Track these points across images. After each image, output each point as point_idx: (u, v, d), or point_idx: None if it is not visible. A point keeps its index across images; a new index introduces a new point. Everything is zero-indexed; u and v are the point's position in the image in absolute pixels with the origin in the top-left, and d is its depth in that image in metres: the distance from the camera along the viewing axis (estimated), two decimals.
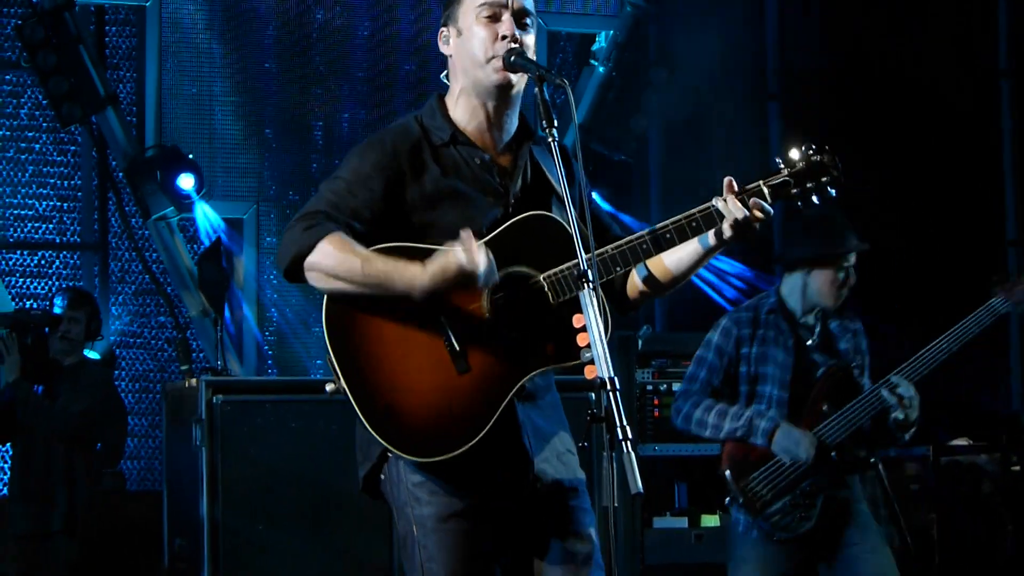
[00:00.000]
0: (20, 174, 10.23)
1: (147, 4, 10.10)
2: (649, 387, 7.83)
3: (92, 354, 8.13)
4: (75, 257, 10.38)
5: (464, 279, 3.50)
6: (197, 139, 10.15)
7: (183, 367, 8.56)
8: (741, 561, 5.77)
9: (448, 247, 3.51)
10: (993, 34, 10.55)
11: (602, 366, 3.27)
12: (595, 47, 10.78)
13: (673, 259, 3.76)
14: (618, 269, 3.67)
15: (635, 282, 3.85)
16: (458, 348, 3.58)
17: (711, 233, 3.66)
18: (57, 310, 7.74)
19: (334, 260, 3.54)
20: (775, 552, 5.68)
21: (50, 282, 10.18)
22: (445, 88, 3.87)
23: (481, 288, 3.54)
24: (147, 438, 10.20)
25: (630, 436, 3.20)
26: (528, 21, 3.73)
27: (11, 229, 10.19)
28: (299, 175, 10.46)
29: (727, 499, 5.75)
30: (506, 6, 3.71)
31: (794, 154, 3.70)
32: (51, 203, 10.29)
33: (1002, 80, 10.52)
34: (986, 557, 8.13)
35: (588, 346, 3.34)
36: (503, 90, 3.72)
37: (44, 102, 9.97)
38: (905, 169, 9.99)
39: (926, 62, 10.02)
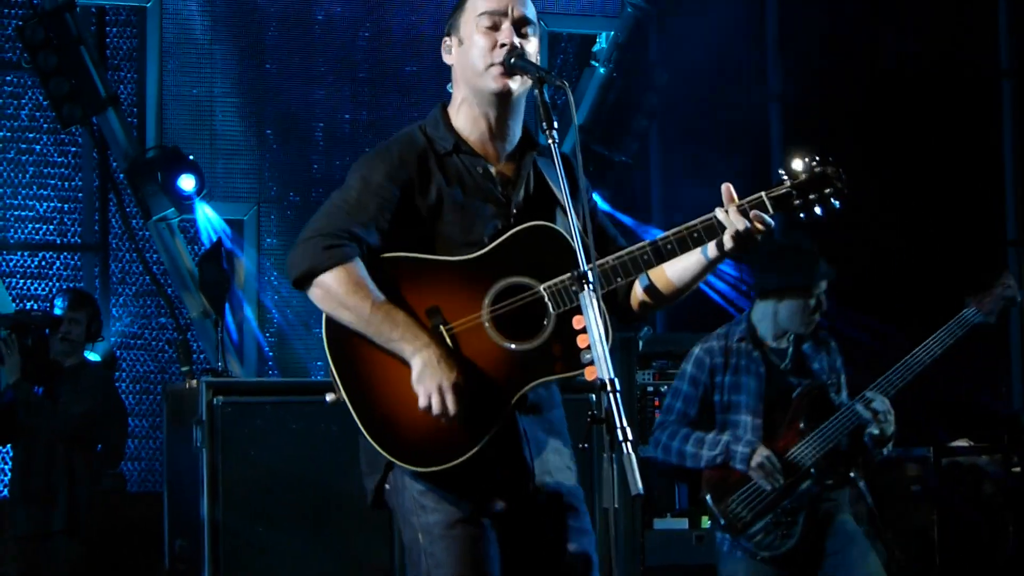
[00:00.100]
0: (21, 175, 10.23)
1: (148, 5, 10.10)
2: (650, 388, 7.82)
3: (93, 356, 8.13)
4: (76, 258, 10.37)
5: (430, 381, 3.51)
6: (198, 140, 10.14)
7: (184, 368, 8.56)
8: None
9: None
10: (994, 34, 10.55)
11: (602, 367, 3.27)
12: (596, 48, 10.78)
13: (675, 270, 3.74)
14: (619, 280, 3.66)
15: (638, 293, 3.84)
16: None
17: (712, 244, 3.65)
18: (58, 311, 7.74)
19: (345, 291, 3.56)
20: (761, 569, 5.74)
21: (51, 283, 10.18)
22: (448, 91, 3.87)
23: (431, 393, 3.53)
24: (148, 439, 10.20)
25: (630, 437, 3.19)
26: (529, 30, 3.73)
27: (11, 230, 10.19)
28: (300, 176, 10.46)
29: (709, 523, 5.80)
30: (506, 15, 3.71)
31: (797, 165, 3.69)
32: (52, 204, 10.29)
33: (1003, 80, 10.53)
34: (987, 558, 8.13)
35: (588, 347, 3.34)
36: (503, 98, 3.72)
37: (45, 103, 9.97)
38: (906, 169, 9.99)
39: (927, 62, 10.03)
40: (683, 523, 7.65)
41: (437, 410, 3.50)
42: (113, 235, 10.41)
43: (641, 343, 7.89)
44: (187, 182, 9.67)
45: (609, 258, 3.65)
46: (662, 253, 3.65)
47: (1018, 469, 8.35)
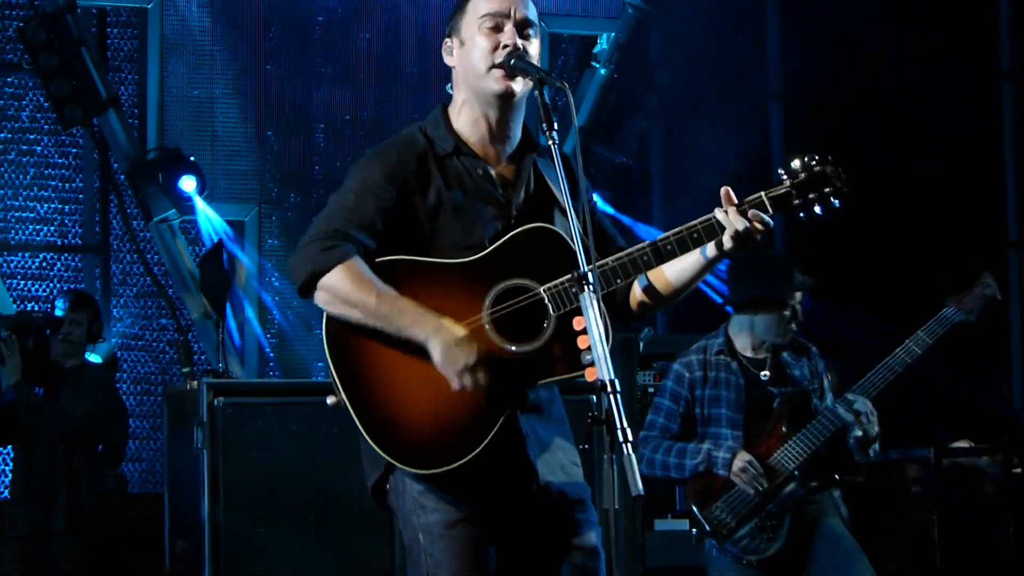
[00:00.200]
0: (21, 176, 10.24)
1: (148, 6, 10.11)
2: (651, 389, 7.81)
3: (94, 358, 8.14)
4: (76, 259, 10.38)
5: (457, 362, 3.52)
6: (199, 141, 10.15)
7: (184, 369, 8.56)
8: None
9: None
10: (995, 35, 10.55)
11: (603, 368, 3.27)
12: (596, 49, 10.79)
13: (674, 270, 3.75)
14: (619, 281, 3.66)
15: (637, 293, 3.84)
16: None
17: (712, 244, 3.65)
18: (58, 312, 7.74)
19: (349, 289, 3.55)
20: (748, 573, 5.75)
21: (51, 284, 10.19)
22: (449, 93, 3.87)
23: (462, 375, 3.53)
24: (148, 440, 10.21)
25: (631, 438, 3.19)
26: (531, 31, 3.73)
27: (12, 231, 10.20)
28: (301, 177, 10.46)
29: (694, 531, 5.83)
30: (509, 16, 3.71)
31: (796, 164, 3.68)
32: (52, 205, 10.30)
33: (1004, 82, 10.53)
34: (988, 559, 8.13)
35: (589, 348, 3.34)
36: (504, 99, 3.72)
37: (46, 104, 9.98)
38: (906, 170, 9.99)
39: (928, 63, 10.03)
40: (684, 524, 7.60)
41: (470, 387, 3.51)
42: (114, 236, 10.42)
43: (642, 344, 7.88)
44: (188, 183, 9.68)
45: (609, 259, 3.65)
46: (662, 254, 3.65)
47: (1019, 470, 8.35)
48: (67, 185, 10.36)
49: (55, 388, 7.60)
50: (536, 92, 3.58)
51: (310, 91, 10.47)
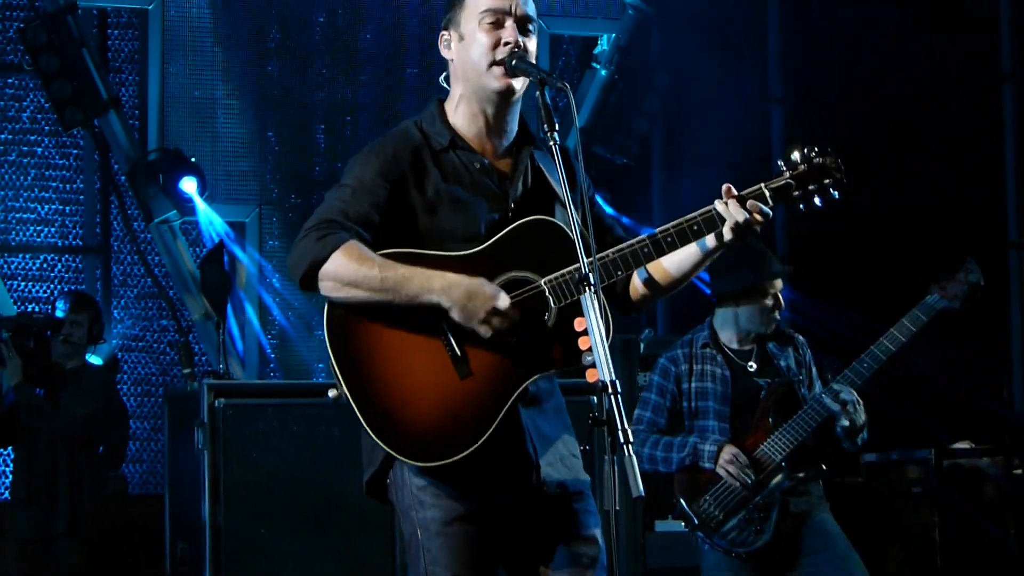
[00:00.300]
0: (22, 178, 10.24)
1: (149, 7, 10.11)
2: None
3: (95, 359, 8.14)
4: (77, 261, 10.39)
5: (480, 296, 3.52)
6: (199, 142, 10.16)
7: (185, 371, 8.57)
8: (710, 573, 5.88)
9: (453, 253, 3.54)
10: (995, 38, 10.55)
11: (603, 369, 3.27)
12: (597, 50, 10.80)
13: (673, 261, 3.75)
14: (619, 273, 3.67)
15: (636, 284, 3.85)
16: (459, 353, 3.58)
17: (711, 235, 3.66)
18: (59, 314, 7.74)
19: (351, 268, 3.54)
20: (739, 566, 5.77)
21: (52, 286, 10.19)
22: (441, 85, 3.87)
23: (491, 314, 3.54)
24: (149, 442, 10.21)
25: (631, 439, 3.20)
26: (531, 27, 3.73)
27: (13, 233, 10.20)
28: (302, 178, 10.47)
29: (683, 524, 5.84)
30: (510, 13, 3.70)
31: (796, 156, 3.70)
32: (53, 207, 10.30)
33: (1005, 84, 10.53)
34: (988, 560, 8.13)
35: (589, 349, 3.34)
36: (505, 96, 3.72)
37: (46, 106, 9.98)
38: (907, 172, 9.99)
39: (929, 65, 10.03)
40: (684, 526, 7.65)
41: (504, 327, 3.52)
42: (115, 237, 10.42)
43: (642, 345, 7.89)
44: (189, 184, 9.68)
45: (609, 251, 3.66)
46: (662, 246, 3.66)
47: (1019, 472, 8.36)
48: (68, 186, 10.37)
49: (56, 389, 7.59)
50: (538, 94, 3.57)
51: (311, 92, 10.47)
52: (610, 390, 3.24)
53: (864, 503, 8.19)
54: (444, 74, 3.86)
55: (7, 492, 8.64)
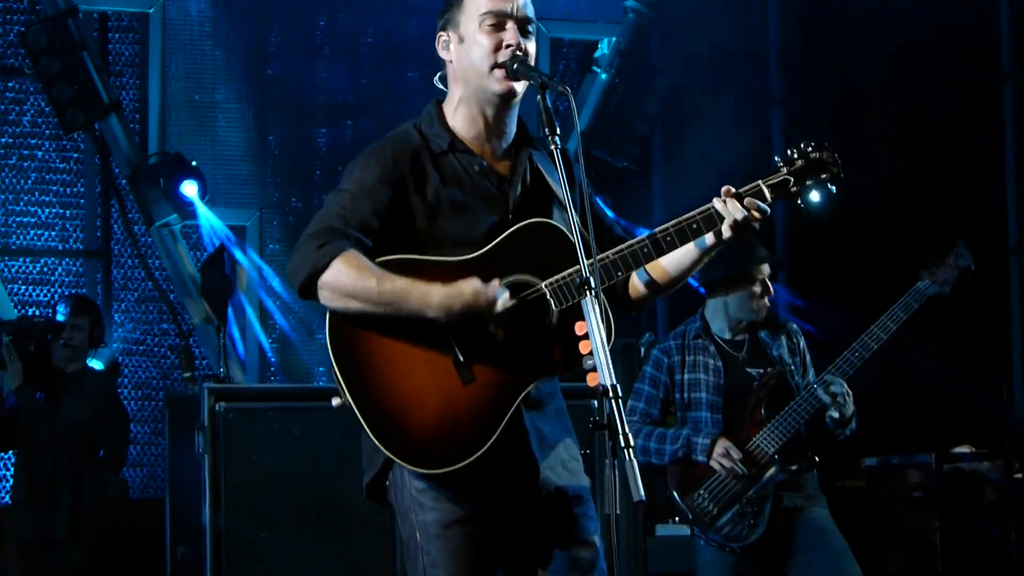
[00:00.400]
0: (23, 181, 10.24)
1: (150, 11, 10.12)
2: None
3: (96, 363, 8.13)
4: (78, 264, 10.38)
5: (479, 307, 3.52)
6: (200, 146, 10.15)
7: (186, 374, 8.56)
8: (705, 569, 5.87)
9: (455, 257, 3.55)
10: (995, 38, 10.55)
11: (604, 373, 3.27)
12: (598, 54, 10.80)
13: (672, 260, 3.76)
14: (619, 274, 3.67)
15: (636, 284, 3.86)
16: (462, 359, 3.58)
17: (710, 233, 3.67)
18: (60, 317, 7.74)
19: (349, 279, 3.53)
20: (733, 560, 5.77)
21: (53, 289, 10.19)
22: (436, 86, 3.86)
23: (493, 320, 3.54)
24: (150, 445, 10.21)
25: (632, 443, 3.20)
26: (531, 28, 3.72)
27: (14, 236, 10.20)
28: (302, 182, 10.47)
29: (677, 518, 5.84)
30: (511, 15, 3.70)
31: (793, 152, 3.72)
32: (54, 210, 10.30)
33: (1004, 84, 10.52)
34: (989, 563, 8.13)
35: (590, 353, 3.34)
36: (506, 98, 3.71)
37: (47, 109, 9.99)
38: (907, 174, 9.99)
39: (928, 66, 10.02)
40: (685, 529, 7.64)
41: (508, 324, 3.53)
42: (115, 241, 10.42)
43: (643, 349, 7.89)
44: (189, 188, 9.69)
45: (609, 252, 3.66)
46: (662, 245, 3.66)
47: (1020, 476, 8.35)
48: (68, 190, 10.36)
49: (56, 393, 7.59)
50: (539, 98, 3.57)
51: (311, 95, 10.48)
52: (611, 394, 3.24)
53: (865, 507, 8.18)
54: (439, 74, 3.84)
55: (7, 496, 8.64)
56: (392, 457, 3.58)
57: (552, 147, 3.54)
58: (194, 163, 9.82)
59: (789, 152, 3.73)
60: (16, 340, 7.47)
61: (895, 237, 9.71)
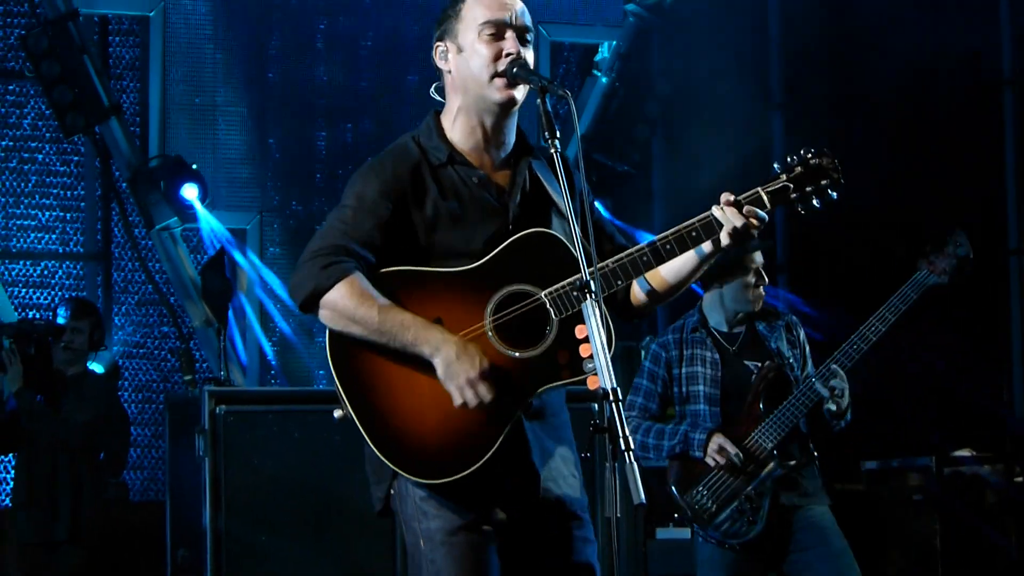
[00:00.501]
0: (23, 184, 10.25)
1: (151, 14, 10.12)
2: None
3: (96, 366, 8.13)
4: (78, 267, 10.39)
5: (459, 376, 3.52)
6: (200, 149, 10.16)
7: (186, 377, 8.57)
8: (704, 566, 5.86)
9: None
10: (996, 43, 10.55)
11: (604, 377, 3.27)
12: (598, 57, 10.80)
13: (671, 269, 3.76)
14: (619, 282, 3.67)
15: (636, 292, 3.85)
16: None
17: (709, 241, 3.67)
18: (60, 320, 7.74)
19: (351, 305, 3.55)
20: (732, 557, 5.76)
21: (53, 292, 10.20)
22: (431, 96, 3.86)
23: (464, 388, 3.54)
24: (150, 448, 10.21)
25: (632, 447, 3.20)
26: (529, 37, 3.72)
27: (14, 239, 10.20)
28: (302, 185, 10.47)
29: (675, 515, 5.82)
30: (510, 24, 3.69)
31: (792, 159, 3.71)
32: (54, 213, 10.31)
33: (1005, 88, 10.53)
34: (989, 568, 8.13)
35: (591, 357, 3.34)
36: (506, 107, 3.71)
37: (47, 112, 9.99)
38: (908, 178, 9.99)
39: (929, 71, 10.03)
40: (685, 533, 7.61)
41: (473, 403, 3.51)
42: (116, 244, 10.43)
43: (643, 352, 7.89)
44: (190, 191, 9.69)
45: (608, 261, 3.66)
46: (661, 254, 3.66)
47: (1021, 479, 8.35)
48: (69, 193, 10.37)
49: (57, 396, 7.59)
50: (539, 102, 3.57)
51: (312, 99, 10.48)
52: (611, 398, 3.24)
53: (865, 510, 8.18)
54: (435, 85, 3.84)
55: (7, 499, 8.64)
56: (393, 468, 3.58)
57: (552, 151, 3.54)
58: (194, 166, 9.83)
59: (789, 159, 3.72)
60: (17, 343, 7.47)
61: (896, 241, 9.71)
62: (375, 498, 3.76)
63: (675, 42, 10.71)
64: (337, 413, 3.64)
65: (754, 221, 3.63)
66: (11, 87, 10.26)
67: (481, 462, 3.55)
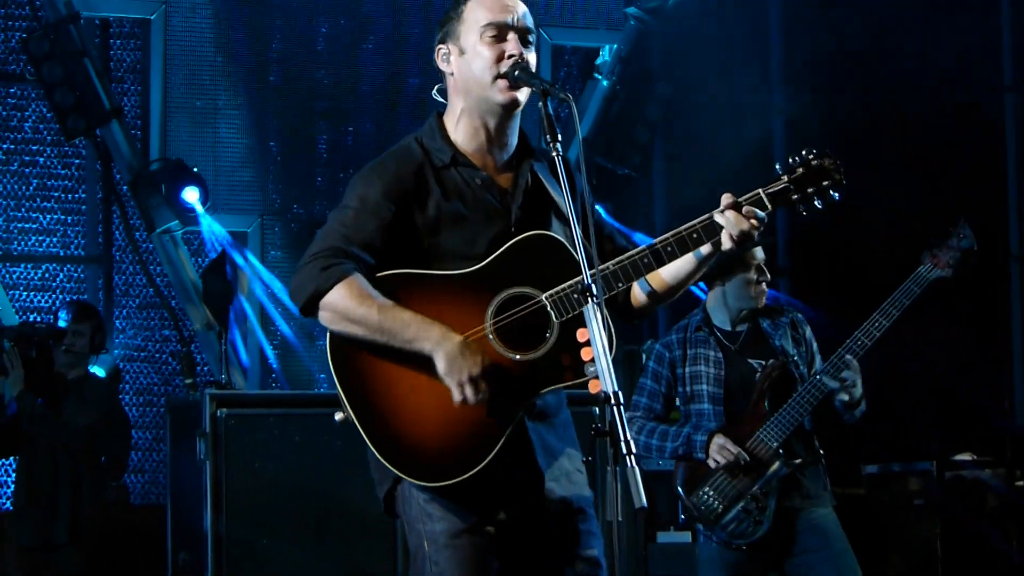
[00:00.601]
0: (24, 187, 10.25)
1: (152, 17, 10.12)
2: None
3: (97, 369, 8.13)
4: (79, 270, 10.39)
5: (460, 373, 3.52)
6: (202, 152, 10.16)
7: (187, 380, 8.57)
8: (705, 566, 5.86)
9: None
10: (997, 50, 10.56)
11: (606, 380, 3.27)
12: (599, 60, 10.80)
13: (671, 271, 3.76)
14: (620, 285, 3.67)
15: (637, 294, 3.86)
16: None
17: (709, 243, 3.67)
18: (61, 323, 7.74)
19: (351, 306, 3.55)
20: (737, 558, 5.75)
21: (54, 295, 10.19)
22: (432, 98, 3.86)
23: (464, 384, 3.53)
24: (151, 451, 10.21)
25: (634, 450, 3.19)
26: (531, 39, 3.73)
27: (15, 242, 10.20)
28: (303, 188, 10.47)
29: (682, 516, 5.82)
30: (512, 26, 3.70)
31: (794, 160, 3.71)
32: (55, 216, 10.30)
33: (1006, 95, 10.54)
34: (990, 571, 8.12)
35: (592, 360, 3.34)
36: (509, 109, 3.71)
37: (49, 115, 9.99)
38: (909, 184, 9.99)
39: (930, 77, 10.03)
40: (686, 536, 7.64)
41: (472, 399, 3.51)
42: (117, 247, 10.42)
43: (644, 356, 7.89)
44: (191, 194, 9.69)
45: (609, 263, 3.66)
46: (662, 256, 3.66)
47: (1021, 483, 8.35)
48: (70, 196, 10.37)
49: (58, 399, 7.59)
50: (540, 105, 3.57)
51: (312, 102, 10.48)
52: (612, 401, 3.24)
53: (866, 515, 8.18)
54: (437, 87, 3.84)
55: (8, 502, 8.64)
56: (395, 471, 3.59)
57: (554, 154, 3.54)
58: (195, 169, 9.83)
59: (791, 159, 3.72)
60: (18, 346, 7.47)
61: (898, 247, 9.71)
62: (379, 498, 3.76)
63: (676, 45, 10.71)
64: (338, 416, 3.63)
65: (754, 222, 3.63)
66: (12, 90, 10.25)
67: (483, 464, 3.55)
